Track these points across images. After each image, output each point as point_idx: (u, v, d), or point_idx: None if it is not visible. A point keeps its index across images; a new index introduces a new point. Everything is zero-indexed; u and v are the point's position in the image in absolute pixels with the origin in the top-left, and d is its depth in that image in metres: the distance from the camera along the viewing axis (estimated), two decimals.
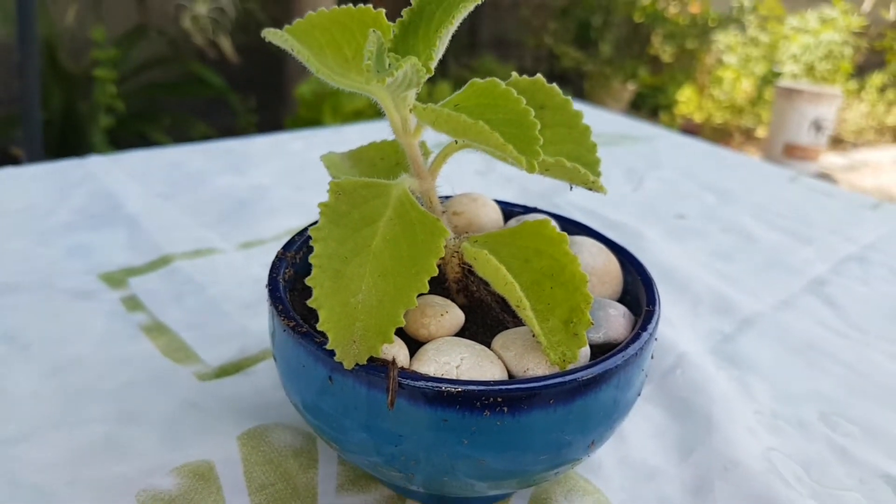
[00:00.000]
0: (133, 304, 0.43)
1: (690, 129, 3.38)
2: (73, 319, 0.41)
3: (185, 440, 0.33)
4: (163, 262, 0.48)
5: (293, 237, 0.34)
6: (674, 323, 0.47)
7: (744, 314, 0.49)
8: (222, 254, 0.50)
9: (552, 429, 0.26)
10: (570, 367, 0.26)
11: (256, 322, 0.42)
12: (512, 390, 0.24)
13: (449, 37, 0.27)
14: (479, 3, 0.27)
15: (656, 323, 0.29)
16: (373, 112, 2.24)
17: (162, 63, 2.29)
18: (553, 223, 0.28)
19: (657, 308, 0.30)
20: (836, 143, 3.76)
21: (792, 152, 3.27)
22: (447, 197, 0.37)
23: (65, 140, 2.03)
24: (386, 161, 0.35)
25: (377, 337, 0.25)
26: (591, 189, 0.30)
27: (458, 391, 0.24)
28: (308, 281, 0.24)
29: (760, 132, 3.62)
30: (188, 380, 0.37)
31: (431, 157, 0.31)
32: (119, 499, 0.30)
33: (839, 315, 0.50)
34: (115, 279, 0.45)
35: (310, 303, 0.24)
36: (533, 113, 0.25)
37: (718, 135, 3.33)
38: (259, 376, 0.38)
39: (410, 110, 0.26)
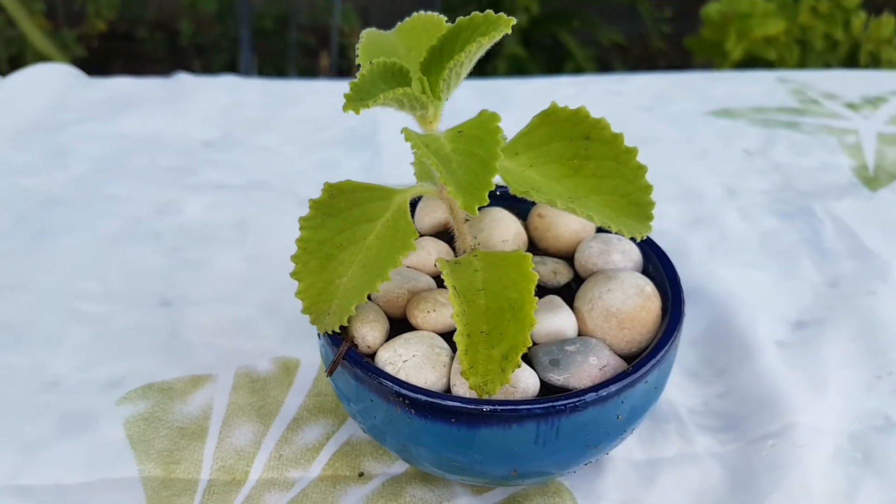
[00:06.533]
0: None
1: None
2: (288, 220, 0.52)
3: (296, 338, 0.43)
4: None
5: None
6: (826, 384, 0.40)
7: None
8: None
9: (459, 443, 0.28)
10: (486, 397, 0.28)
11: None
12: (412, 397, 0.28)
13: (470, 64, 0.29)
14: (500, 37, 0.28)
15: (621, 388, 0.28)
16: (788, 39, 2.00)
17: None
18: (532, 258, 0.29)
19: (640, 372, 0.29)
20: None
21: None
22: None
23: None
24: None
25: (340, 317, 0.30)
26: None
27: (374, 383, 0.28)
28: (292, 258, 0.30)
29: None
30: None
31: None
32: (226, 367, 0.41)
33: None
34: None
35: (291, 274, 0.30)
36: (499, 158, 0.26)
37: None
38: None
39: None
